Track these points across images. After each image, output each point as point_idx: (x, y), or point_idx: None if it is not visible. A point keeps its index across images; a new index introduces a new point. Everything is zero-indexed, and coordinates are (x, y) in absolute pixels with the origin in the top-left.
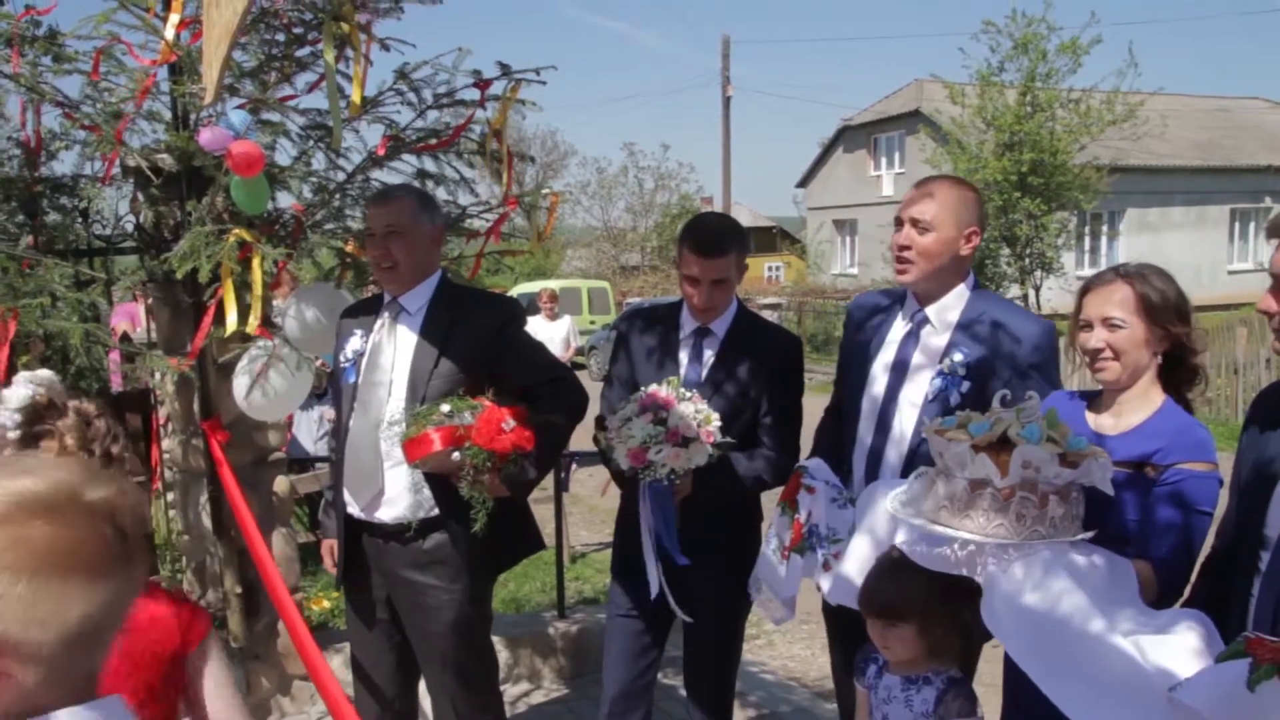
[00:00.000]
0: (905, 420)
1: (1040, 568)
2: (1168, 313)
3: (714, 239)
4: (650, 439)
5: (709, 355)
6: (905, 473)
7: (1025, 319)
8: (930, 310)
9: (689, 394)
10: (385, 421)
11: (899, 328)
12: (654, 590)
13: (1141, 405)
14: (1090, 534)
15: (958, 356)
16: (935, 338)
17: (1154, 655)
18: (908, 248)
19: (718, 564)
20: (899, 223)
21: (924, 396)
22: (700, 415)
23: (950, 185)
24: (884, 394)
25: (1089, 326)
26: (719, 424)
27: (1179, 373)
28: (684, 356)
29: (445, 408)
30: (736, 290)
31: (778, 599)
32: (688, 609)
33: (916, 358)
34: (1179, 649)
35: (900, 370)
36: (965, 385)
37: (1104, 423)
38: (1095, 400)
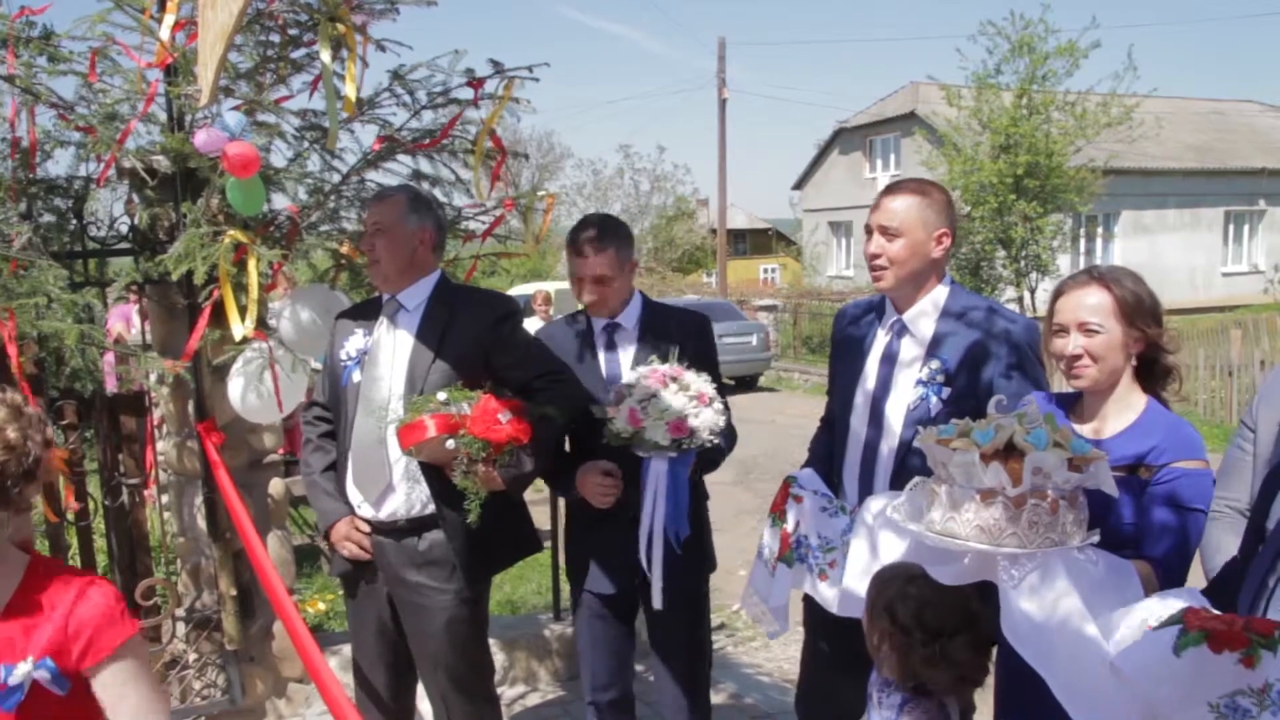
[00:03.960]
0: (891, 432)
1: (1053, 575)
2: (1144, 315)
3: (591, 239)
4: (687, 407)
5: (627, 347)
6: (895, 485)
7: (1005, 319)
8: (907, 317)
9: (683, 363)
10: (386, 412)
11: (881, 340)
12: (656, 581)
13: (1125, 408)
14: (1096, 536)
15: (935, 364)
16: (914, 345)
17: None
18: (879, 255)
19: (681, 555)
20: (869, 231)
21: (907, 406)
22: (702, 378)
23: (916, 189)
24: (870, 407)
25: (1064, 331)
26: (712, 384)
27: (1153, 373)
28: (601, 352)
29: (442, 396)
30: (732, 294)
31: (768, 609)
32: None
33: (898, 367)
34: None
35: (884, 381)
36: (945, 391)
37: (1088, 429)
38: (1075, 405)
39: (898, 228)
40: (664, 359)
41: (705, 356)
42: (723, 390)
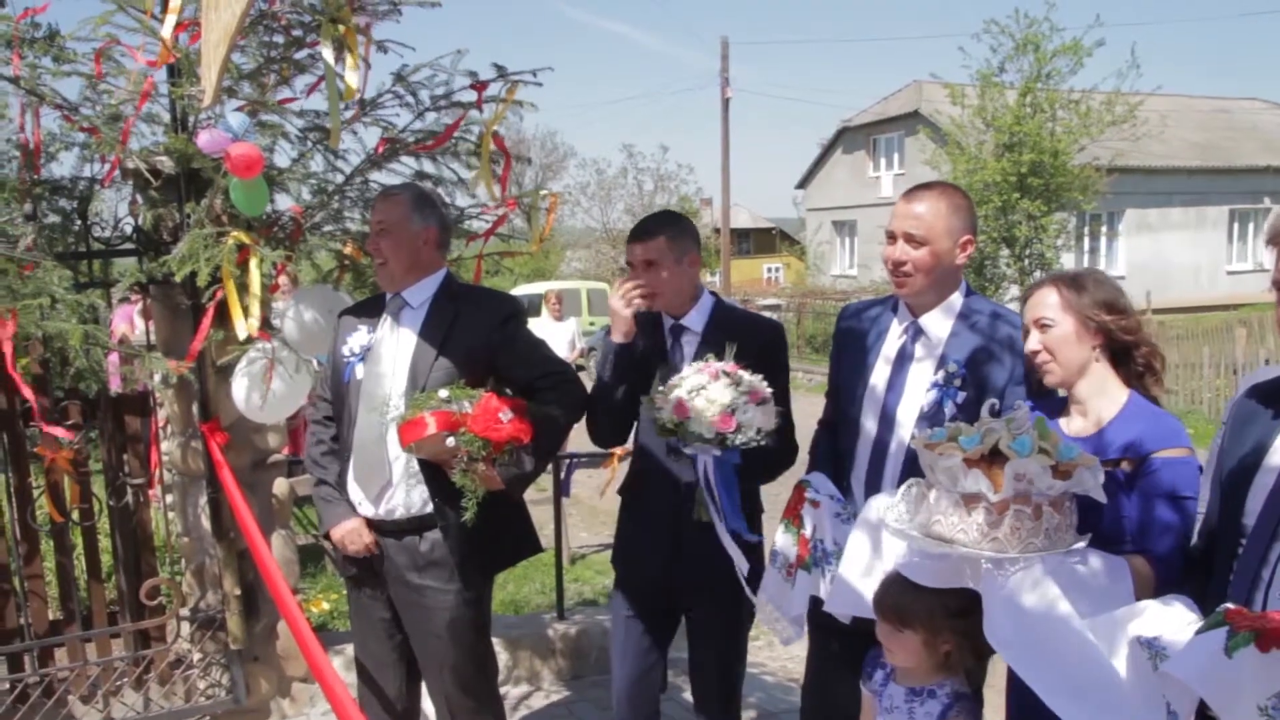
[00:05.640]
0: (903, 435)
1: (1037, 580)
2: (1093, 306)
3: (642, 225)
4: (736, 401)
5: (689, 350)
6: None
7: (1019, 324)
8: (924, 321)
9: (743, 364)
10: (387, 409)
11: (893, 341)
12: (743, 569)
13: (1104, 403)
14: (1085, 540)
15: (952, 367)
16: (929, 349)
17: (1143, 633)
18: (904, 263)
19: (722, 560)
20: (891, 236)
21: (920, 408)
22: (759, 378)
23: (940, 194)
24: (881, 409)
25: (1028, 331)
26: (769, 388)
27: (1132, 366)
28: (667, 353)
29: (443, 393)
30: (736, 293)
31: (786, 618)
32: (694, 605)
33: (912, 370)
34: (1167, 620)
35: (894, 381)
36: (960, 396)
37: (1074, 426)
38: (1064, 408)
39: (924, 235)
40: (720, 356)
41: (772, 371)
42: (786, 401)
